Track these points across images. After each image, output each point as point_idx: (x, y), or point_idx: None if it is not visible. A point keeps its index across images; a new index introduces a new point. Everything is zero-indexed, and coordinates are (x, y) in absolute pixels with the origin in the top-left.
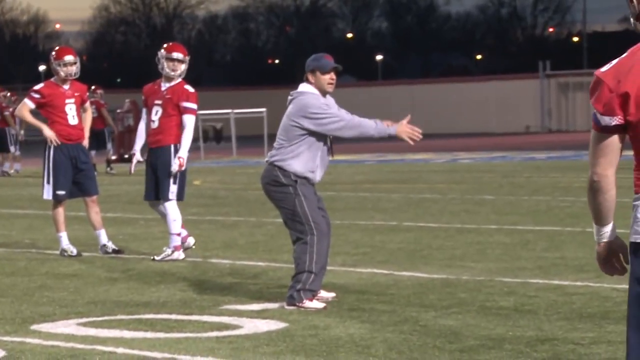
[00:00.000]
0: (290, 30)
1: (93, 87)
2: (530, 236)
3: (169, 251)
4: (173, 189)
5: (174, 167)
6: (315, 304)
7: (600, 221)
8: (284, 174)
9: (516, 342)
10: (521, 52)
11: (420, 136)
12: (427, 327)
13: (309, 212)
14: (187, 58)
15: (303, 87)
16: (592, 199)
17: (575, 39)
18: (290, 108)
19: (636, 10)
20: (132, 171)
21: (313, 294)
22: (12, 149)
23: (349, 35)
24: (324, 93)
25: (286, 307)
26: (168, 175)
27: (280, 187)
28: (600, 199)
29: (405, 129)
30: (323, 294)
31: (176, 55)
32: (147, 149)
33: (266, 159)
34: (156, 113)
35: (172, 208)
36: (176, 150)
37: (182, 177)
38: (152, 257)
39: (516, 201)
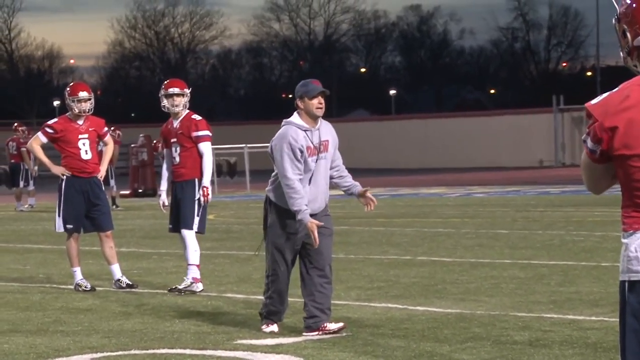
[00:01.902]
0: (304, 65)
1: (112, 128)
2: (545, 270)
3: (188, 282)
4: (196, 220)
5: (200, 198)
6: (269, 329)
7: None
8: (269, 201)
9: None
10: (535, 87)
11: (315, 244)
12: None
13: (271, 246)
14: (187, 90)
15: (292, 117)
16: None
17: (589, 73)
18: None
19: (630, 44)
20: (164, 210)
21: (271, 319)
22: (21, 184)
23: (363, 69)
24: (313, 118)
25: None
26: (192, 207)
27: (266, 212)
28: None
29: (313, 228)
30: (330, 326)
31: (172, 90)
32: (171, 185)
33: None
34: (176, 150)
35: (192, 239)
36: (199, 183)
37: (204, 210)
38: (173, 287)
39: (530, 235)
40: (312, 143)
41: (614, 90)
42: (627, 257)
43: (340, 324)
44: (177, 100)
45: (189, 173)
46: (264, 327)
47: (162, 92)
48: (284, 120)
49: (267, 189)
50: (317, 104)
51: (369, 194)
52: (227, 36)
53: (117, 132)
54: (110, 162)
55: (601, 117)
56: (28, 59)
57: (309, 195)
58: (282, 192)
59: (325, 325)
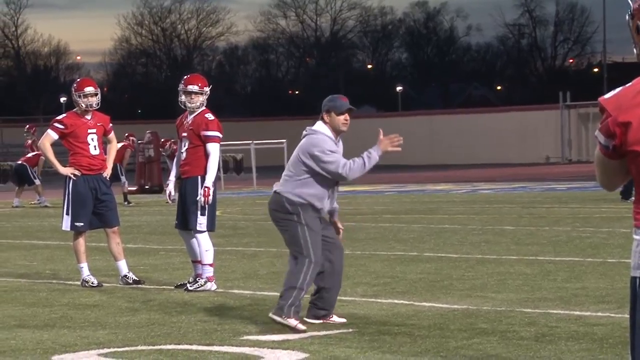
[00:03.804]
0: (310, 62)
1: (127, 134)
2: (551, 267)
3: (202, 281)
4: (201, 220)
5: (200, 198)
6: (296, 324)
7: None
8: (290, 202)
9: None
10: (541, 83)
11: (401, 139)
12: (448, 357)
13: (310, 240)
14: (206, 89)
15: (318, 125)
16: None
17: (596, 69)
18: (301, 143)
19: None
20: (169, 201)
21: (298, 313)
22: (37, 181)
23: (369, 66)
24: (338, 132)
25: (271, 315)
26: (195, 207)
27: (285, 214)
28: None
29: (385, 142)
30: (335, 318)
31: (190, 87)
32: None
33: (274, 189)
34: (184, 145)
35: (203, 239)
36: (203, 181)
37: (211, 208)
38: (180, 284)
39: (536, 232)
40: None
41: (627, 85)
42: (638, 253)
43: (344, 320)
44: (195, 99)
45: (193, 170)
46: (292, 321)
47: (181, 87)
48: (310, 129)
49: (288, 192)
50: (343, 119)
51: (339, 225)
52: (234, 33)
53: (132, 137)
54: (120, 162)
55: (615, 112)
56: (35, 56)
57: (326, 195)
58: (309, 191)
59: (331, 317)
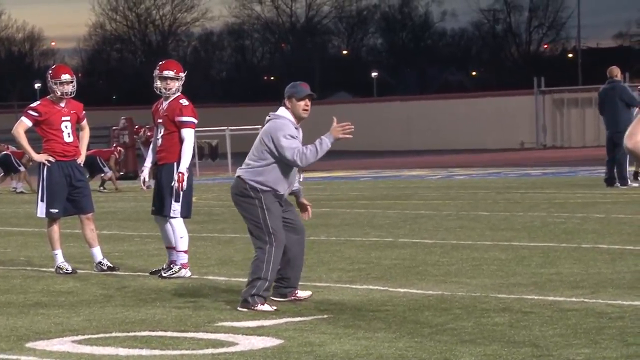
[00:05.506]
0: (285, 47)
1: (115, 145)
2: (526, 252)
3: (176, 268)
4: (175, 206)
5: (175, 184)
6: (266, 307)
7: None
8: (252, 188)
9: (511, 359)
10: (516, 69)
11: (352, 127)
12: (422, 343)
13: (270, 223)
14: (182, 74)
15: (280, 111)
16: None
17: (570, 55)
18: (264, 127)
19: None
20: (144, 188)
21: (265, 299)
22: (22, 168)
23: (345, 51)
24: (299, 119)
25: (239, 308)
26: (170, 193)
27: (247, 198)
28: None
29: (337, 129)
30: (300, 293)
31: (166, 73)
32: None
33: (237, 174)
34: (160, 131)
35: (177, 225)
36: (178, 168)
37: (187, 194)
38: (155, 270)
39: (511, 217)
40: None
41: None
42: None
43: (309, 292)
44: (171, 84)
45: (168, 157)
46: (259, 306)
47: (156, 73)
48: (273, 114)
49: (250, 178)
50: (304, 105)
51: (305, 202)
52: (209, 18)
53: (119, 148)
54: (106, 158)
55: None
56: (9, 42)
57: (286, 180)
58: (270, 176)
59: (296, 292)
